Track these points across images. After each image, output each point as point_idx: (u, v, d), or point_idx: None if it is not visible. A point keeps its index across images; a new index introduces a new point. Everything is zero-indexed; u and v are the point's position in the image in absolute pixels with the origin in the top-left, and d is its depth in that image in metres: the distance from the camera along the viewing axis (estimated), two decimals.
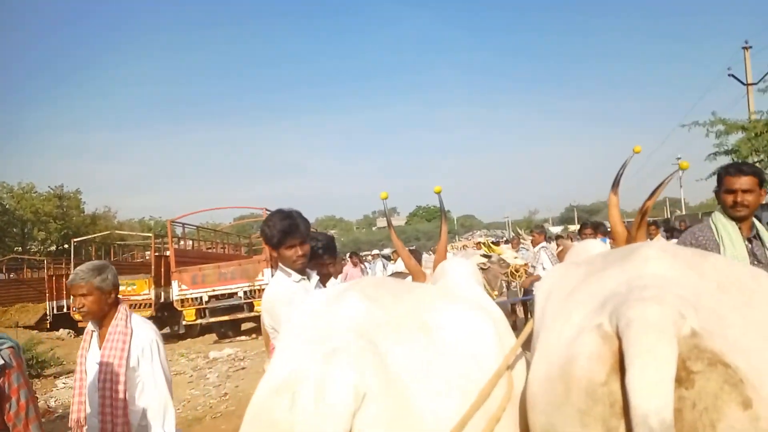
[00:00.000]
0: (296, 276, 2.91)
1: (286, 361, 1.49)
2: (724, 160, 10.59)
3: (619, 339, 1.27)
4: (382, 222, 75.59)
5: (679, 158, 47.16)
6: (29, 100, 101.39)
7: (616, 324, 1.30)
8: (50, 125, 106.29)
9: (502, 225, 74.02)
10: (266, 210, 16.35)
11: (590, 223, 7.50)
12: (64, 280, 18.11)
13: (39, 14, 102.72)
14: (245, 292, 14.21)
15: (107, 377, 2.82)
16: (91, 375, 2.92)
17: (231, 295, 14.26)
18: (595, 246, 2.54)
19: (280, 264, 2.97)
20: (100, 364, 2.85)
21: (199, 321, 14.62)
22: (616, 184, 2.49)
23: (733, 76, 20.77)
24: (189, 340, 15.34)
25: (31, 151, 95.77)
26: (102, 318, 2.92)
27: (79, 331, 17.31)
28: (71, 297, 15.53)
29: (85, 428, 2.92)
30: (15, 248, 42.31)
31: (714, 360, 1.23)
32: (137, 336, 2.93)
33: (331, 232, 76.51)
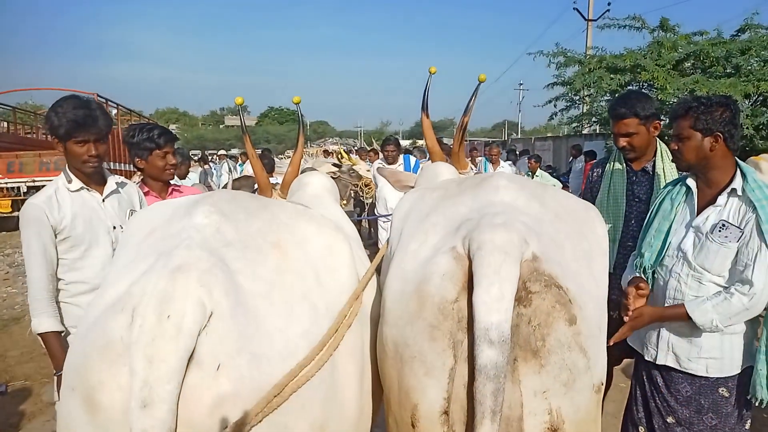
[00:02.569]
0: (76, 183, 2.45)
1: (123, 273, 1.37)
2: (561, 90, 11.39)
3: (470, 260, 1.38)
4: (230, 120, 71.98)
5: (521, 84, 50.50)
6: None
7: (468, 246, 1.41)
8: None
9: (354, 134, 74.42)
10: (97, 96, 14.72)
11: (393, 139, 6.75)
12: None
13: None
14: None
15: None
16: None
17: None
18: (444, 169, 2.62)
19: (65, 167, 2.50)
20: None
21: (16, 213, 13.16)
22: (425, 107, 2.63)
23: (576, 10, 22.29)
24: (4, 233, 13.86)
25: None
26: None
27: None
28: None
29: None
30: None
31: (550, 282, 1.38)
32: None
33: (173, 126, 71.07)
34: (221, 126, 72.66)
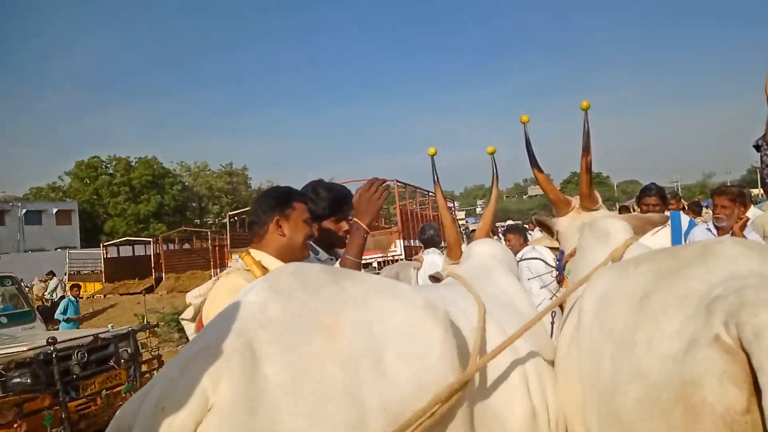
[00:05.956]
0: (323, 254, 2.63)
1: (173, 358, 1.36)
2: None
3: (746, 352, 1.08)
4: (534, 190, 72.82)
5: None
6: (201, 87, 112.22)
7: (736, 334, 1.10)
8: (218, 108, 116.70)
9: (670, 190, 67.43)
10: (397, 182, 16.50)
11: (655, 189, 4.69)
12: (225, 250, 20.09)
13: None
14: (379, 263, 14.44)
15: None
16: None
17: (365, 266, 14.59)
18: (616, 225, 2.10)
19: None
20: None
21: None
22: (533, 163, 2.40)
23: None
24: None
25: (203, 132, 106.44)
26: None
27: None
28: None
29: None
30: (194, 221, 47.72)
31: None
32: None
33: (480, 201, 75.07)
34: (525, 196, 73.77)
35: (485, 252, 2.28)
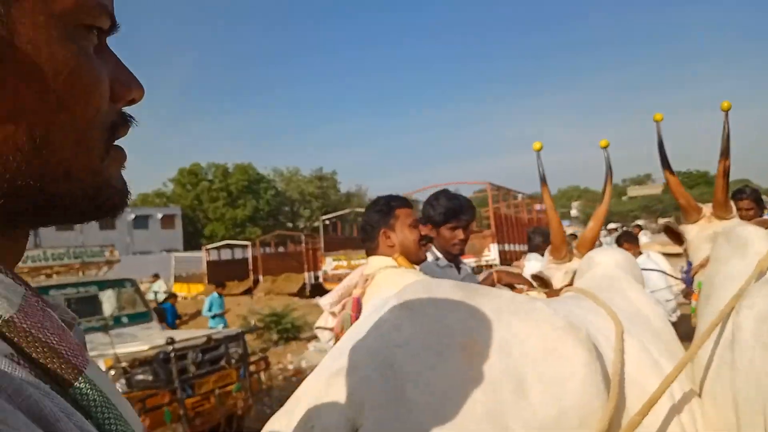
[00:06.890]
0: (443, 261, 2.79)
1: (318, 371, 1.37)
2: None
3: None
4: (633, 191, 69.41)
5: None
6: (292, 95, 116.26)
7: None
8: (309, 114, 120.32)
9: None
10: (490, 185, 16.20)
11: (748, 192, 4.20)
12: (318, 253, 20.56)
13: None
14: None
15: None
16: None
17: None
18: (754, 233, 1.87)
19: (432, 246, 2.87)
20: None
21: None
22: (665, 165, 2.35)
23: None
24: None
25: (295, 138, 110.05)
26: None
27: None
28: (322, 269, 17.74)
29: None
30: (287, 224, 49.42)
31: None
32: None
33: (575, 203, 72.44)
34: (623, 198, 70.62)
35: (609, 261, 2.08)
